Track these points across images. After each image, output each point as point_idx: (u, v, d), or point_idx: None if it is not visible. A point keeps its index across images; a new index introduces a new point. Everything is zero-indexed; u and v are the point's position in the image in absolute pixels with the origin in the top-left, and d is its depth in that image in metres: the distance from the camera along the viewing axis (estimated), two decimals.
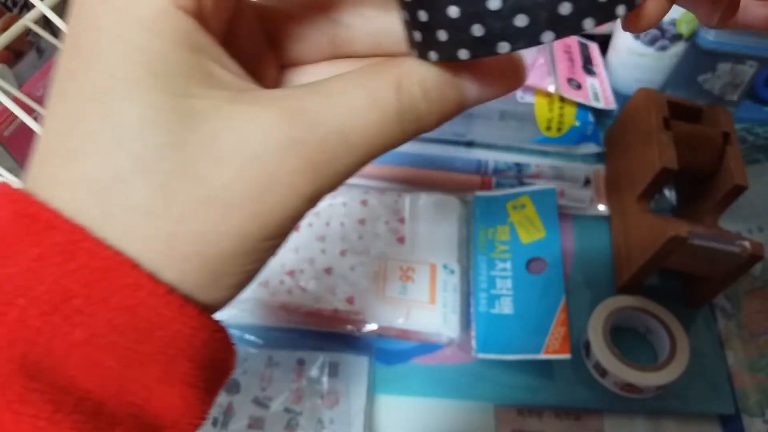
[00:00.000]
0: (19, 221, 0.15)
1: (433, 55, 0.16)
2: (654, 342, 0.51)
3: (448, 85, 0.17)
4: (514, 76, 0.18)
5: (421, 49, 0.16)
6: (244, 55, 0.19)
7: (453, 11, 0.15)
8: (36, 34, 0.41)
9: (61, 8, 0.34)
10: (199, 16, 0.16)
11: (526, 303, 0.50)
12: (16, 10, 0.52)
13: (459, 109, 0.18)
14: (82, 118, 0.15)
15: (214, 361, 0.17)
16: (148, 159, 0.15)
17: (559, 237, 0.53)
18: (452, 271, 0.51)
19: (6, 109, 0.32)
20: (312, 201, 0.16)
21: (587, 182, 0.58)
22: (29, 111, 0.35)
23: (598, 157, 0.60)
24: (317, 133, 0.16)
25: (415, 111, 0.17)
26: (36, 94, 0.38)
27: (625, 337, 0.50)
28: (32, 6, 0.34)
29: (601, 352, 0.47)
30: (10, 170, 0.33)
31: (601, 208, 0.57)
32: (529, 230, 0.54)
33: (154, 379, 0.15)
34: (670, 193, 0.56)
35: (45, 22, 0.35)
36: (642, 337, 0.51)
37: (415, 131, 0.17)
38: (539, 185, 0.56)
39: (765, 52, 0.58)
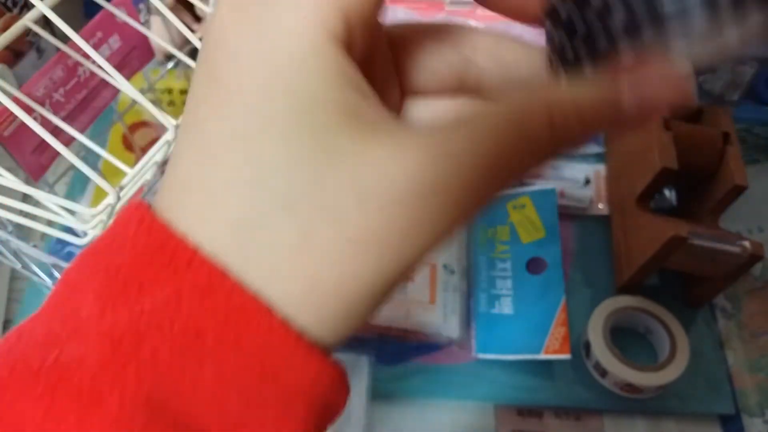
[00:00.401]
0: (158, 254, 0.15)
1: (589, 66, 0.16)
2: (654, 342, 0.51)
3: (604, 103, 0.16)
4: (675, 83, 0.16)
5: (573, 65, 0.16)
6: (377, 80, 0.18)
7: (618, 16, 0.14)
8: (36, 34, 0.41)
9: (61, 8, 0.34)
10: (349, 46, 0.16)
11: (526, 303, 0.50)
12: (16, 10, 0.52)
13: (616, 123, 0.16)
14: (224, 155, 0.15)
15: (328, 404, 0.16)
16: (290, 197, 0.15)
17: (559, 237, 0.53)
18: (452, 271, 0.51)
19: (6, 109, 0.32)
20: (447, 235, 0.16)
21: (587, 182, 0.58)
22: (29, 111, 0.35)
23: (598, 157, 0.60)
24: (463, 175, 0.15)
25: (570, 135, 0.16)
26: (36, 94, 0.38)
27: (625, 337, 0.50)
28: (32, 6, 0.34)
29: (601, 352, 0.47)
30: (10, 170, 0.32)
31: (601, 208, 0.57)
32: (529, 230, 0.54)
33: (270, 421, 0.15)
34: (670, 193, 0.56)
35: (45, 22, 0.35)
36: (642, 337, 0.51)
37: (568, 151, 0.17)
38: (539, 185, 0.56)
39: (765, 52, 0.58)
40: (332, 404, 0.17)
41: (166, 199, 0.16)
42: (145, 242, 0.15)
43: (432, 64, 0.19)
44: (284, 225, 0.15)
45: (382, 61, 0.19)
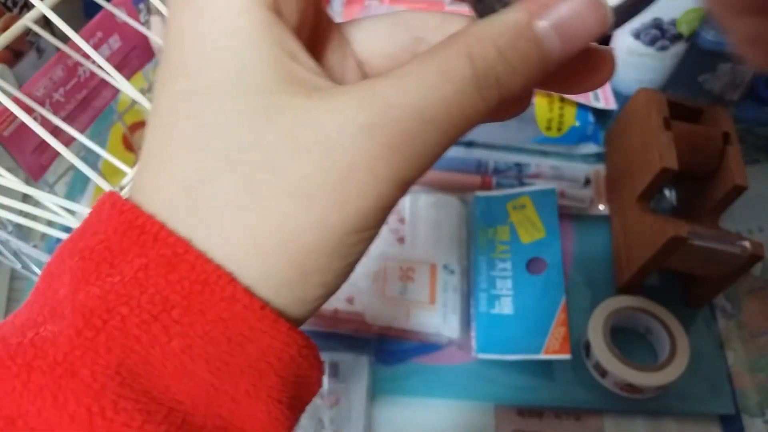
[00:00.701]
0: (127, 233, 0.16)
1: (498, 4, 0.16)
2: (654, 342, 0.51)
3: (525, 40, 0.16)
4: (601, 24, 0.16)
5: (487, 4, 0.16)
6: (325, 55, 0.19)
7: None
8: (36, 34, 0.41)
9: (61, 8, 0.34)
10: (279, 12, 0.16)
11: (526, 303, 0.50)
12: (16, 10, 0.52)
13: (543, 66, 0.16)
14: (173, 123, 0.16)
15: (300, 377, 0.17)
16: (232, 156, 0.15)
17: (559, 237, 0.53)
18: (452, 271, 0.51)
19: (6, 109, 0.32)
20: (398, 187, 0.16)
21: (587, 182, 0.58)
22: (29, 111, 0.35)
23: (598, 157, 0.60)
24: (391, 114, 0.15)
25: (494, 74, 0.16)
26: (36, 94, 0.38)
27: (625, 337, 0.50)
28: (32, 6, 0.34)
29: (601, 352, 0.47)
30: (10, 170, 0.32)
31: (601, 208, 0.57)
32: (529, 230, 0.54)
33: (242, 392, 0.16)
34: (670, 193, 0.56)
35: (45, 22, 0.35)
36: (642, 337, 0.51)
37: (498, 97, 0.16)
38: (539, 185, 0.56)
39: None
40: (306, 378, 0.17)
41: (136, 180, 0.17)
42: (117, 223, 0.16)
43: (386, 49, 0.20)
44: (228, 184, 0.15)
45: (333, 44, 0.20)
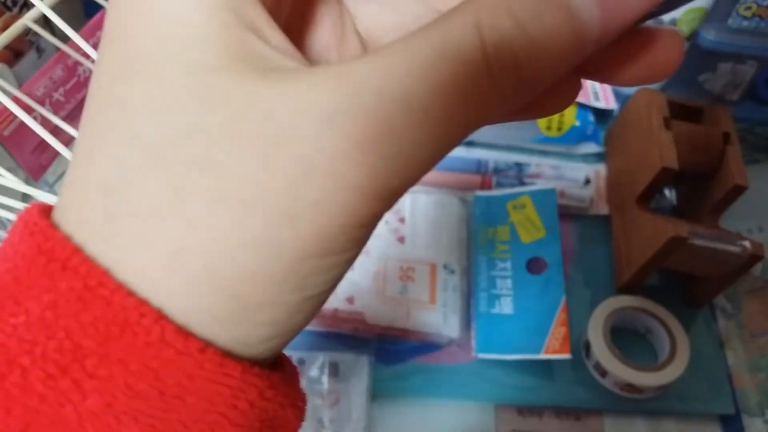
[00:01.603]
0: (36, 259, 0.12)
1: None
2: (654, 342, 0.51)
3: (553, 8, 0.12)
4: None
5: None
6: (321, 35, 0.16)
7: None
8: (36, 34, 0.41)
9: (60, 8, 0.34)
10: None
11: (526, 303, 0.50)
12: (16, 10, 0.52)
13: (578, 42, 0.12)
14: (100, 109, 0.13)
15: (269, 420, 0.13)
16: (161, 150, 0.12)
17: (559, 237, 0.53)
18: (452, 271, 0.51)
19: (6, 109, 0.32)
20: (374, 198, 0.12)
21: (587, 182, 0.58)
22: (29, 110, 0.35)
23: (599, 157, 0.60)
24: (364, 101, 0.11)
25: (510, 52, 0.12)
26: (36, 93, 0.38)
27: (625, 337, 0.50)
28: (32, 5, 0.34)
29: (601, 352, 0.47)
30: (10, 170, 0.32)
31: (601, 208, 0.57)
32: (529, 230, 0.54)
33: None
34: (670, 193, 0.56)
35: (45, 21, 0.35)
36: (642, 337, 0.51)
37: (516, 83, 0.12)
38: (539, 185, 0.56)
39: (765, 52, 0.58)
40: (278, 419, 0.14)
41: (61, 187, 0.14)
42: (25, 248, 0.13)
43: (396, 22, 0.16)
44: (152, 186, 0.12)
45: (329, 19, 0.16)
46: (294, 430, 0.15)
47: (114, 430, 0.12)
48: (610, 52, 0.13)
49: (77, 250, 0.12)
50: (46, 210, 0.14)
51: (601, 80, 0.15)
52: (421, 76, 0.12)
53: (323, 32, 0.16)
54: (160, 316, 0.12)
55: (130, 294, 0.12)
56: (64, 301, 0.12)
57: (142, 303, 0.12)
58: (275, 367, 0.14)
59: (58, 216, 0.13)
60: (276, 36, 0.13)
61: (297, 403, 0.14)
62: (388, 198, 0.12)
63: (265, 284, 0.12)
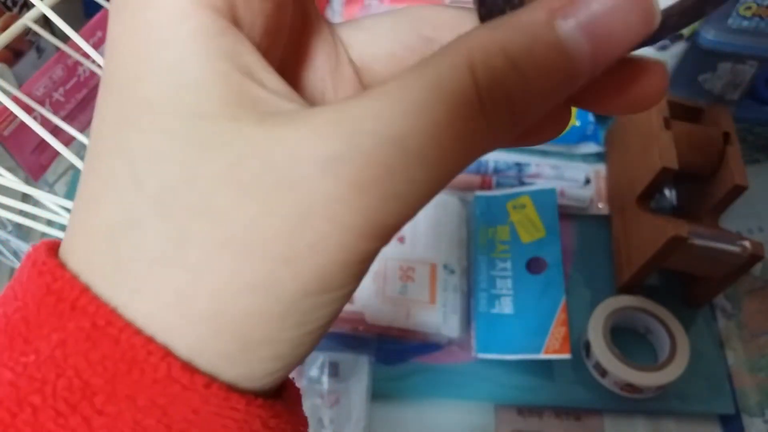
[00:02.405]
0: (45, 299, 0.13)
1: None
2: (654, 342, 0.51)
3: (544, 45, 0.12)
4: (645, 23, 0.13)
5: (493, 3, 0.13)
6: (315, 68, 0.16)
7: None
8: (36, 34, 0.41)
9: (60, 8, 0.34)
10: (231, 15, 0.13)
11: (526, 303, 0.50)
12: (15, 10, 0.52)
13: (569, 77, 0.13)
14: (101, 155, 0.13)
15: None
16: (164, 197, 0.12)
17: (559, 237, 0.53)
18: (452, 271, 0.51)
19: (6, 109, 0.32)
20: (370, 237, 0.12)
21: (587, 182, 0.58)
22: (29, 110, 0.35)
23: (599, 157, 0.60)
24: (360, 145, 0.12)
25: (503, 89, 0.12)
26: (36, 93, 0.38)
27: (625, 337, 0.50)
28: (32, 5, 0.34)
29: (601, 352, 0.47)
30: (10, 170, 0.32)
31: (601, 207, 0.57)
32: (529, 230, 0.54)
33: None
34: (670, 193, 0.56)
35: (45, 21, 0.35)
36: (642, 337, 0.51)
37: (510, 120, 0.13)
38: (539, 185, 0.56)
39: (765, 52, 0.58)
40: None
41: (67, 227, 0.14)
42: (35, 287, 0.13)
43: (389, 50, 0.17)
44: (156, 233, 0.12)
45: (323, 51, 0.17)
46: None
47: None
48: (599, 83, 0.14)
49: (85, 290, 0.13)
50: (54, 248, 0.14)
51: (591, 110, 0.15)
52: (415, 118, 0.12)
53: (318, 63, 0.16)
54: (167, 354, 0.12)
55: (137, 332, 0.12)
56: (73, 340, 0.12)
57: (149, 341, 0.12)
58: (279, 392, 0.15)
59: (65, 255, 0.14)
60: (272, 79, 0.13)
61: (299, 428, 0.15)
62: (385, 236, 0.13)
63: (267, 323, 0.13)
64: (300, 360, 0.14)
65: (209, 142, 0.12)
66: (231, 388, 0.13)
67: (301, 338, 0.13)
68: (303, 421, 0.15)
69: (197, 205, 0.12)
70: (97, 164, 0.13)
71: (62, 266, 0.13)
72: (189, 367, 0.12)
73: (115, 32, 0.13)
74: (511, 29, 0.12)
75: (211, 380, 0.12)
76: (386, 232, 0.13)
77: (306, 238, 0.12)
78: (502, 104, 0.12)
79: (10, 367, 0.13)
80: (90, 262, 0.13)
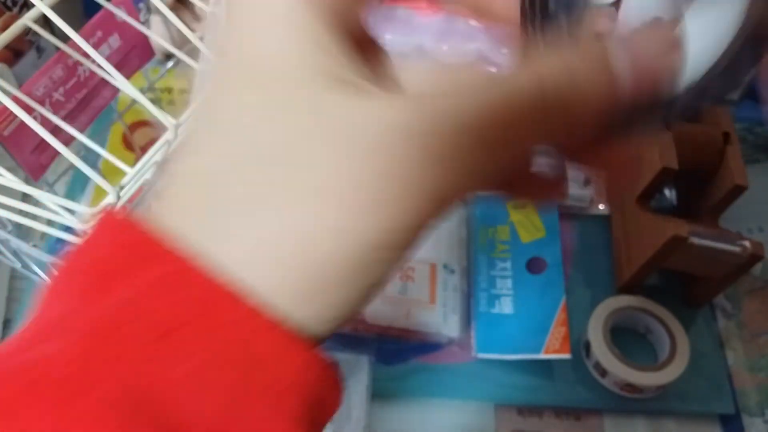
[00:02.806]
0: (134, 248, 0.15)
1: (564, 18, 0.17)
2: (654, 342, 0.51)
3: (601, 70, 0.16)
4: (671, 51, 0.16)
5: (548, 17, 0.17)
6: (381, 62, 0.19)
7: None
8: (36, 34, 0.41)
9: (60, 7, 0.34)
10: (325, 15, 0.16)
11: (526, 303, 0.50)
12: (15, 10, 0.52)
13: (613, 96, 0.16)
14: (209, 113, 0.16)
15: (320, 399, 0.15)
16: (259, 147, 0.14)
17: (559, 237, 0.53)
18: (452, 271, 0.51)
19: (6, 109, 0.32)
20: (434, 202, 0.15)
21: (587, 182, 0.58)
22: (29, 110, 0.35)
23: None
24: (437, 122, 0.14)
25: (565, 106, 0.15)
26: (36, 93, 0.38)
27: (625, 337, 0.50)
28: (32, 5, 0.34)
29: (601, 352, 0.47)
30: (10, 170, 0.32)
31: (601, 207, 0.57)
32: (530, 230, 0.54)
33: (260, 415, 0.14)
34: (670, 193, 0.56)
35: (45, 21, 0.35)
36: (642, 337, 0.51)
37: (562, 122, 0.16)
38: None
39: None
40: (325, 401, 0.16)
41: (160, 183, 0.16)
42: (123, 239, 0.15)
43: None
44: (249, 176, 0.14)
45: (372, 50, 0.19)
46: (333, 413, 0.16)
47: (200, 393, 0.14)
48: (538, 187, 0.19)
49: (173, 236, 0.14)
50: (126, 210, 0.16)
51: (526, 198, 0.20)
52: (486, 109, 0.15)
53: (382, 59, 0.19)
54: (243, 296, 0.14)
55: (221, 274, 0.14)
56: (159, 283, 0.14)
57: (230, 283, 0.14)
58: None
59: (154, 204, 0.16)
60: (352, 61, 0.16)
61: (340, 386, 0.16)
62: (443, 204, 0.15)
63: (342, 267, 0.14)
64: (354, 315, 0.15)
65: (309, 106, 0.15)
66: (298, 333, 0.14)
67: (362, 290, 0.15)
68: (340, 386, 0.16)
69: (292, 156, 0.14)
70: (202, 120, 0.16)
71: (147, 217, 0.15)
72: (263, 310, 0.14)
73: (232, 16, 0.16)
74: (579, 57, 0.16)
75: (281, 321, 0.14)
76: (445, 201, 0.15)
77: (385, 194, 0.14)
78: (559, 103, 0.15)
79: (103, 303, 0.14)
80: (180, 206, 0.15)
